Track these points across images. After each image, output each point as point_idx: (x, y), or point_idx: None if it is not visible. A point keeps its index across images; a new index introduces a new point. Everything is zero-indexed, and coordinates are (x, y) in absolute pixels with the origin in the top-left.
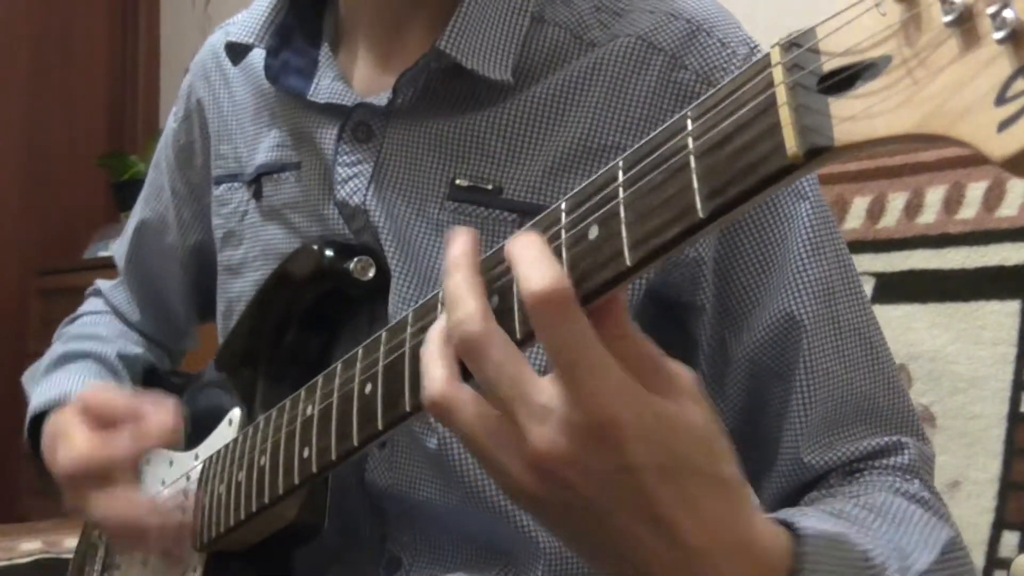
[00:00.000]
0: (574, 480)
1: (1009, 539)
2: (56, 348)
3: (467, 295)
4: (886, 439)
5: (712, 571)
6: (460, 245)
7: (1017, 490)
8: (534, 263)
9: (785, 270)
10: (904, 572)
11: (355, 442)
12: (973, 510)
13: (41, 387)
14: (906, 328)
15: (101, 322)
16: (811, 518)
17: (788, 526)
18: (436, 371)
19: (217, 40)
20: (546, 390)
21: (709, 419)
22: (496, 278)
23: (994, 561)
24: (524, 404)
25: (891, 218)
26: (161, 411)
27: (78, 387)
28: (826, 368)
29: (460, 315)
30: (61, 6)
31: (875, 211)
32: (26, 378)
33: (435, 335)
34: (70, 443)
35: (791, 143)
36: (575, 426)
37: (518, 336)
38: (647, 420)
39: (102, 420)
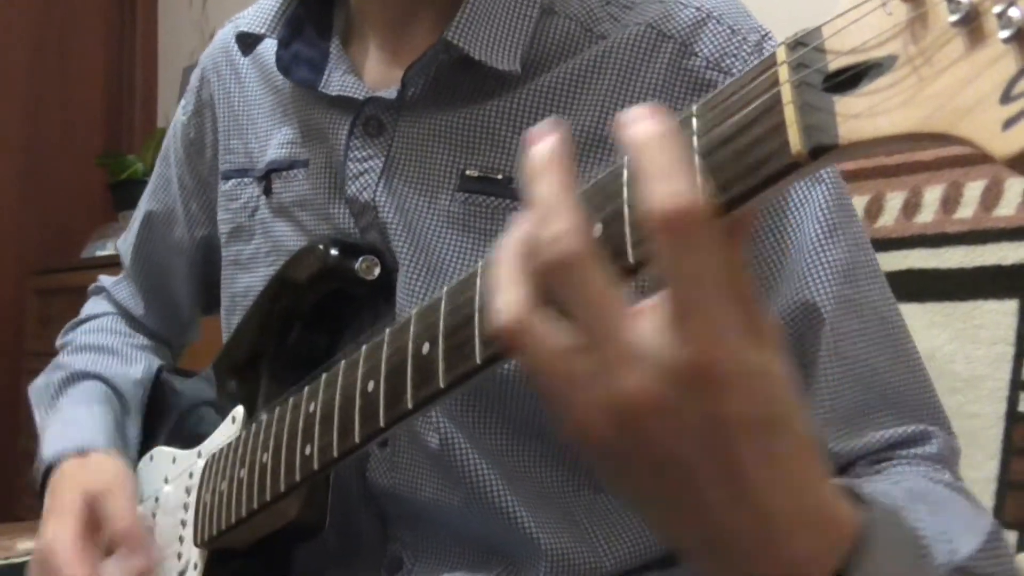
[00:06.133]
0: (656, 431)
1: (1007, 538)
2: (65, 360)
3: (563, 206)
4: (913, 427)
5: (785, 538)
6: (549, 143)
7: (1015, 489)
8: (667, 172)
9: (801, 256)
10: (951, 555)
11: (357, 439)
12: None
13: (51, 426)
14: None
15: (107, 327)
16: (867, 489)
17: (850, 493)
18: (513, 292)
19: (227, 34)
20: (646, 326)
21: (791, 375)
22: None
23: None
24: (618, 341)
25: (889, 217)
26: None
27: (94, 436)
28: (850, 353)
29: (557, 229)
30: (59, 6)
31: (873, 210)
32: (34, 393)
33: (514, 248)
34: (56, 532)
35: (795, 141)
36: (673, 370)
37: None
38: (750, 369)
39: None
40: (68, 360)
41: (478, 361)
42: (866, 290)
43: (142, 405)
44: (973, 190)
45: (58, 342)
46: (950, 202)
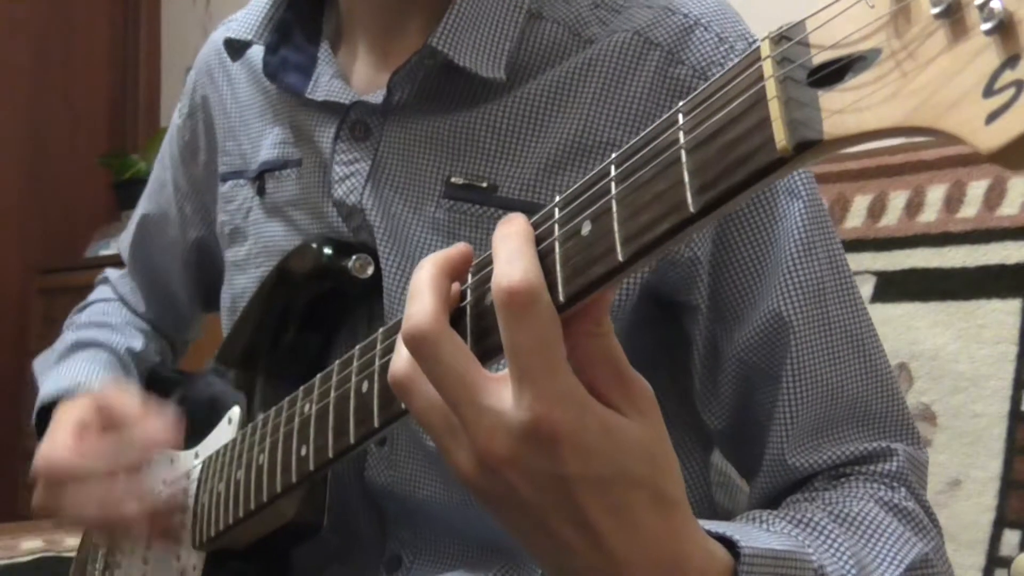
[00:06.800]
0: (513, 480)
1: (1010, 537)
2: (67, 336)
3: (425, 291)
4: (875, 444)
5: None
6: (446, 249)
7: (1018, 489)
8: (510, 257)
9: (776, 270)
10: None
11: (352, 439)
12: (974, 509)
13: (52, 375)
14: (907, 327)
15: (110, 310)
16: (764, 533)
17: (732, 545)
18: (403, 350)
19: (220, 37)
20: (494, 391)
21: (657, 435)
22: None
23: (995, 560)
24: (470, 404)
25: (892, 217)
26: (161, 421)
27: (90, 378)
28: (814, 370)
29: (413, 309)
30: (63, 5)
31: (876, 210)
32: (37, 364)
33: None
34: (46, 448)
35: (780, 137)
36: (516, 428)
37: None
38: (589, 430)
39: (113, 419)
40: (71, 335)
41: None
42: (836, 309)
43: (143, 377)
44: (976, 189)
45: (65, 325)
46: (953, 201)
